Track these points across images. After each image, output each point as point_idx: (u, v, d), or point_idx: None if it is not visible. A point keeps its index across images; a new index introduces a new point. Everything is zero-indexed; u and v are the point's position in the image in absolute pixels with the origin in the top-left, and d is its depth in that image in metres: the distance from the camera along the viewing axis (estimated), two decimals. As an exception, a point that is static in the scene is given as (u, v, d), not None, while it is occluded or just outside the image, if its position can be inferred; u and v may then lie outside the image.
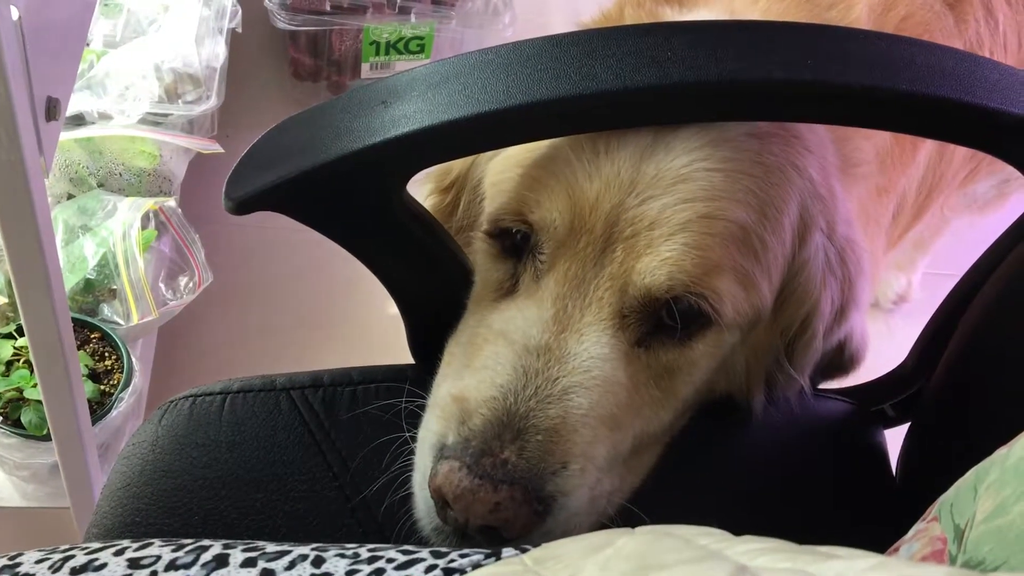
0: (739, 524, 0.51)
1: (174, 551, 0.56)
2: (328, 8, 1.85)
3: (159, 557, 0.56)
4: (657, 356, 0.74)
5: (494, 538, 0.68)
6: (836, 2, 0.87)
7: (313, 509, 0.75)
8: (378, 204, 0.72)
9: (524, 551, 0.52)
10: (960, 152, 1.05)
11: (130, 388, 1.31)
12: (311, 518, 0.75)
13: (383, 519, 0.75)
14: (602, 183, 0.71)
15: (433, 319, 0.81)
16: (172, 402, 0.81)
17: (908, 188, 0.99)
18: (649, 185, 0.70)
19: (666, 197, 0.70)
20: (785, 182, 0.74)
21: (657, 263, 0.70)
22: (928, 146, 0.98)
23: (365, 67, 1.96)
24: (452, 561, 0.53)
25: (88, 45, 1.61)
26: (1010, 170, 1.28)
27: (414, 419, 0.76)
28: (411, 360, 0.86)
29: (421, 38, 1.93)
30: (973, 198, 1.43)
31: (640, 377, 0.73)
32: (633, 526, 0.50)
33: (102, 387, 1.31)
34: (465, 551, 0.54)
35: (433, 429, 0.72)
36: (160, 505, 0.75)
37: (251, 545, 0.57)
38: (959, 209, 1.47)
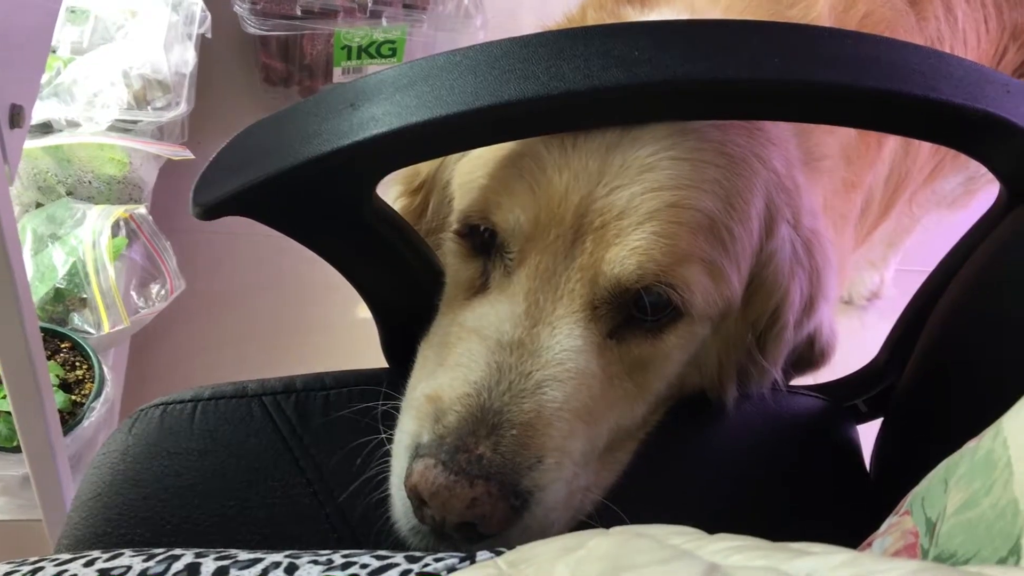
0: (714, 521, 0.51)
1: (145, 561, 0.56)
2: (299, 13, 1.84)
3: (130, 567, 0.55)
4: (629, 348, 0.74)
5: (471, 536, 0.67)
6: (797, 0, 0.88)
7: (287, 515, 0.75)
8: (347, 207, 0.72)
9: (498, 553, 0.52)
10: (925, 148, 1.06)
11: (102, 398, 1.29)
12: (285, 524, 0.74)
13: (357, 524, 0.75)
14: (571, 174, 0.71)
15: (406, 322, 0.81)
16: (142, 411, 0.81)
17: (875, 184, 1.00)
18: (617, 175, 0.71)
19: (634, 186, 0.71)
20: (750, 173, 0.74)
21: (626, 253, 0.70)
22: (893, 142, 0.99)
23: (337, 72, 1.95)
24: (427, 565, 0.53)
25: (55, 52, 1.59)
26: (975, 167, 1.30)
27: (389, 422, 0.75)
28: (385, 364, 0.86)
29: (393, 42, 1.92)
30: (941, 195, 1.45)
31: (613, 369, 0.74)
32: (609, 524, 0.50)
33: (73, 397, 1.30)
34: (440, 555, 0.54)
35: (407, 429, 0.72)
36: (131, 515, 0.74)
37: (223, 554, 0.56)
38: (928, 206, 1.48)
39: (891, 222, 1.16)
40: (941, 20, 1.02)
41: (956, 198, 1.48)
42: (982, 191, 1.46)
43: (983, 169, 0.75)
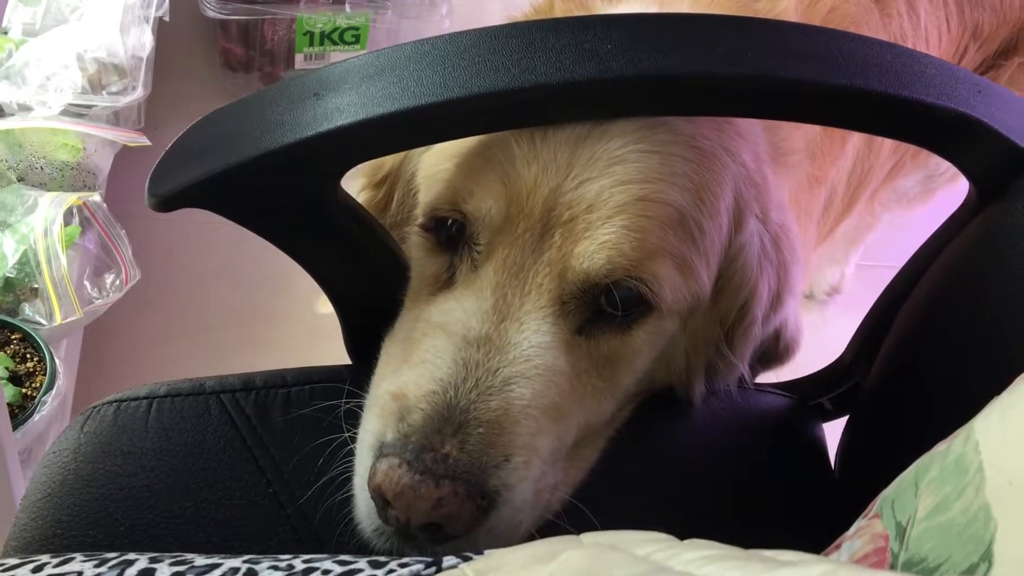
0: (681, 518, 0.51)
1: (97, 566, 0.54)
2: (260, -4, 1.81)
3: (81, 573, 0.53)
4: (598, 344, 0.73)
5: (437, 537, 0.66)
6: None
7: (246, 517, 0.73)
8: (310, 200, 0.70)
9: (466, 559, 0.51)
10: (887, 145, 1.07)
11: (54, 391, 1.26)
12: (244, 527, 0.72)
13: (319, 526, 0.73)
14: (540, 167, 0.70)
15: (370, 317, 0.79)
16: (95, 408, 0.78)
17: (838, 179, 1.00)
18: (585, 167, 0.70)
19: (603, 179, 0.70)
20: (719, 167, 0.74)
21: (596, 247, 0.69)
22: (856, 138, 0.99)
23: (299, 58, 1.93)
24: (391, 571, 0.51)
25: (6, 33, 1.56)
26: (933, 166, 1.30)
27: (353, 420, 0.74)
28: (348, 360, 0.84)
29: (356, 28, 1.90)
30: (902, 193, 1.46)
31: (582, 366, 0.73)
32: (576, 522, 0.49)
33: (24, 390, 1.27)
34: (404, 560, 0.53)
35: (371, 428, 0.70)
36: (83, 516, 0.72)
37: (179, 559, 0.54)
38: (888, 204, 1.50)
39: (853, 219, 1.17)
40: (904, 18, 1.02)
41: (915, 196, 1.49)
42: (941, 189, 1.47)
43: (943, 168, 0.76)
